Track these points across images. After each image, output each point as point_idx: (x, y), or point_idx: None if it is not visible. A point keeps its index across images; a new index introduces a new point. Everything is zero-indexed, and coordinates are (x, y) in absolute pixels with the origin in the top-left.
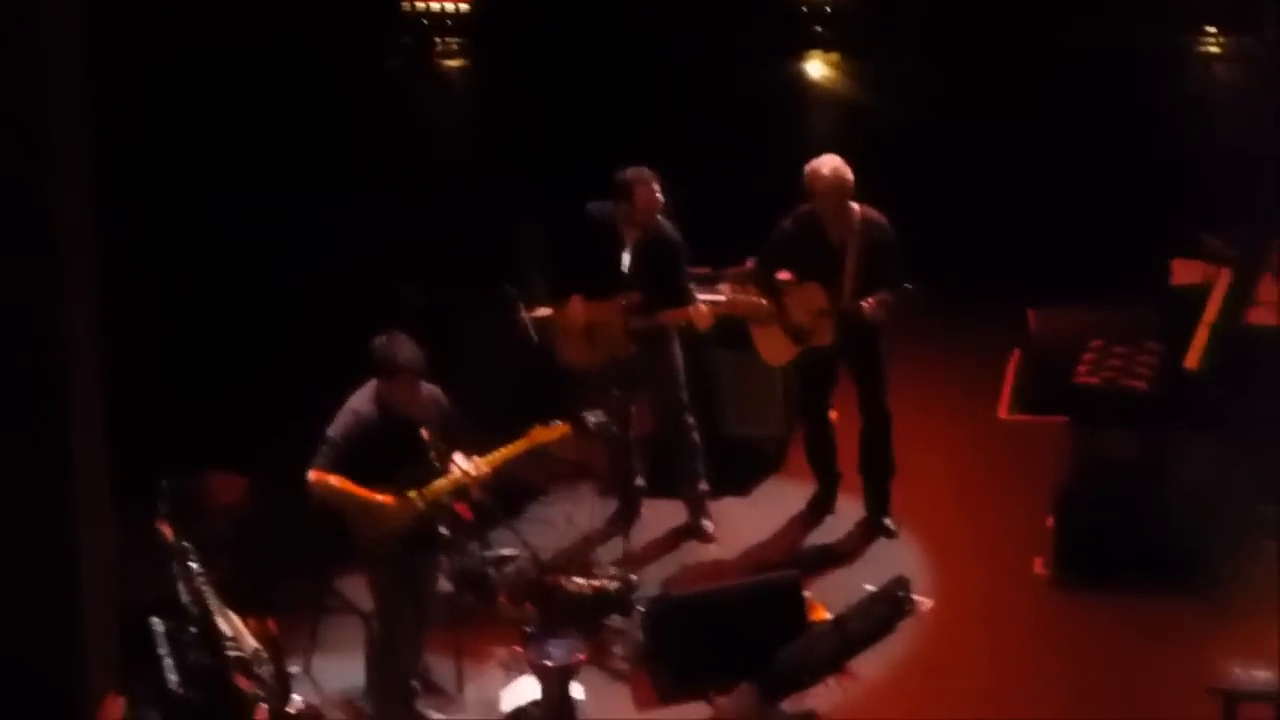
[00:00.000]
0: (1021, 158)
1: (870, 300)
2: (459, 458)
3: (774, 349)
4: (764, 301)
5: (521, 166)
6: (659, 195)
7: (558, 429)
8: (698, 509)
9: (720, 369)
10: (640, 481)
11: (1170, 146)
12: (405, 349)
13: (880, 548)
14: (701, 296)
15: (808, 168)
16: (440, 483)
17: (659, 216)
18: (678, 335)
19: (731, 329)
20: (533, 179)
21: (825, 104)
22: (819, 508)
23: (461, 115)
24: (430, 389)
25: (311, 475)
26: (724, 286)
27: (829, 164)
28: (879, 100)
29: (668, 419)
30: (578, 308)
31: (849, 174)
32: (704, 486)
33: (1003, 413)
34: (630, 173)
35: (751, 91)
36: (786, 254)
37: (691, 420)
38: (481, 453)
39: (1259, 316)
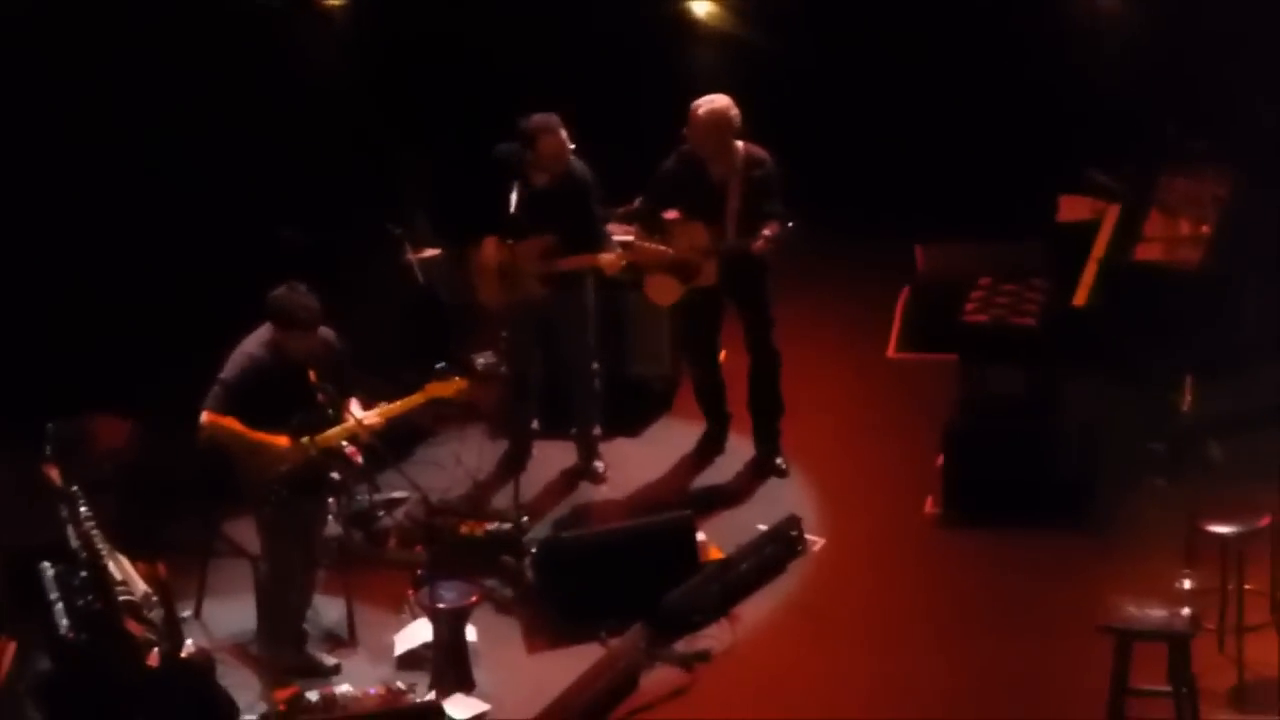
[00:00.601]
0: (908, 92)
1: (759, 237)
2: (354, 406)
3: (661, 289)
4: (668, 250)
5: (406, 106)
6: (566, 142)
7: (454, 383)
8: (589, 450)
9: (609, 310)
10: (534, 424)
11: (1058, 79)
12: (304, 303)
13: (771, 487)
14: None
15: (691, 107)
16: (334, 430)
17: (570, 158)
18: (591, 279)
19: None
20: (418, 118)
21: (711, 42)
22: (709, 448)
23: (343, 53)
24: (324, 332)
25: (205, 417)
26: (613, 227)
27: (706, 105)
28: (762, 35)
29: (574, 363)
30: (490, 249)
31: (729, 114)
32: (597, 430)
33: (891, 351)
34: (535, 120)
35: (638, 29)
36: (670, 192)
37: (596, 365)
38: (369, 396)
39: (1146, 253)
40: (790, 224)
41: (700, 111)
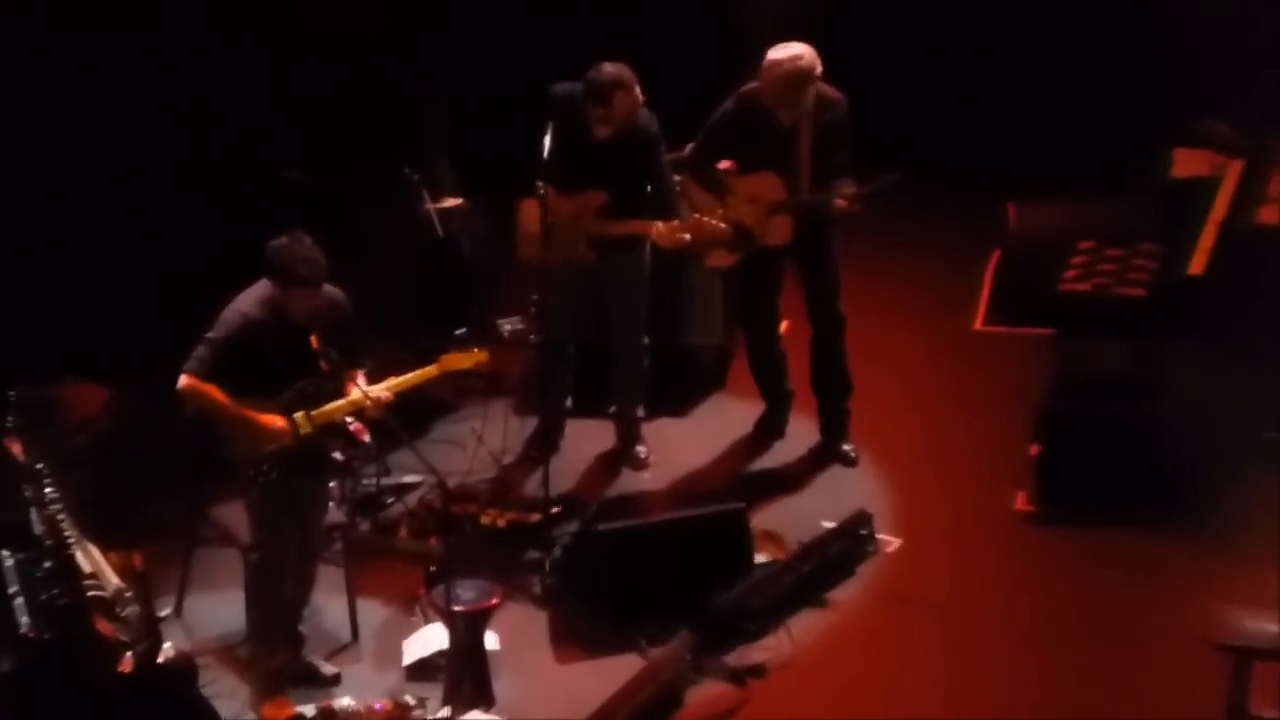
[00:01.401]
0: (1000, 26)
1: (843, 193)
2: (360, 377)
3: (716, 251)
4: (727, 228)
5: (427, 30)
6: (639, 99)
7: (473, 355)
8: (631, 433)
9: (658, 268)
10: (568, 402)
11: (1171, 20)
12: (307, 256)
13: (838, 478)
14: None
15: (767, 54)
16: (333, 405)
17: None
18: (648, 244)
19: None
20: (441, 46)
21: None
22: (768, 430)
23: None
24: (329, 291)
25: (183, 381)
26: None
27: (788, 59)
28: None
29: (621, 337)
30: (531, 206)
31: (814, 70)
32: (641, 412)
33: (978, 324)
34: (607, 74)
35: None
36: (729, 140)
37: (646, 340)
38: (378, 363)
39: (1272, 215)
40: (895, 176)
41: (783, 67)
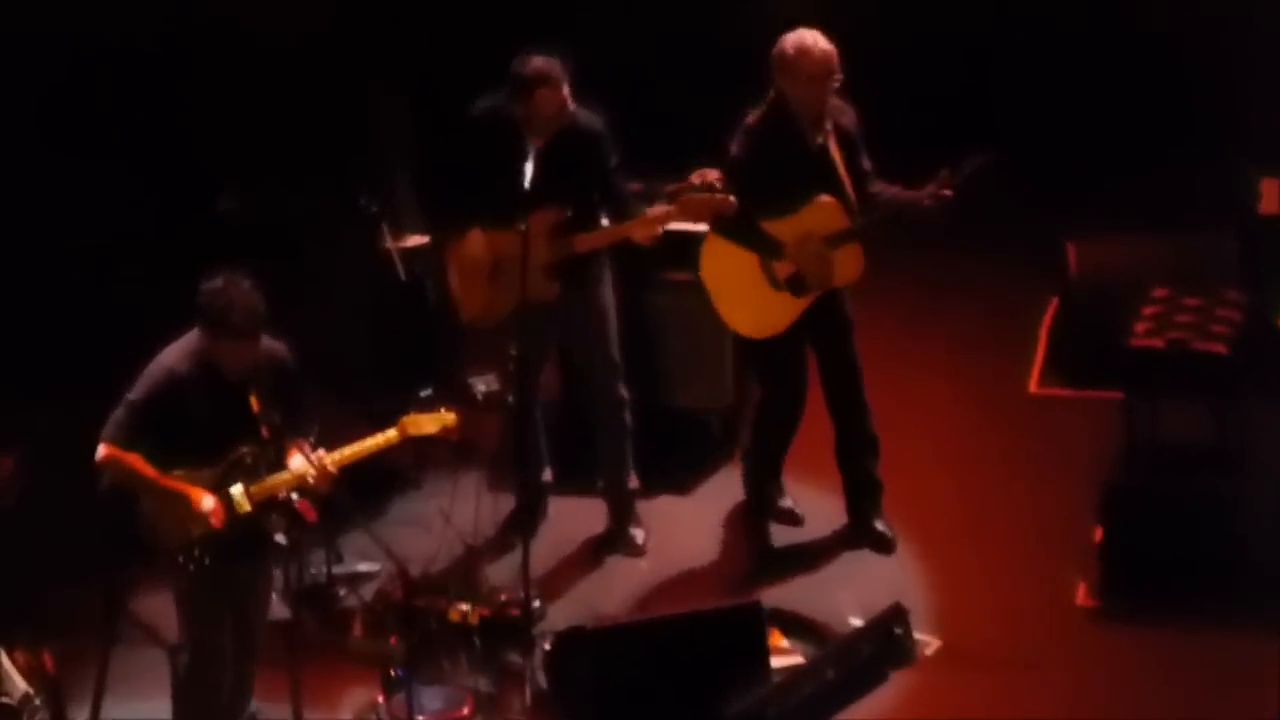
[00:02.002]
0: (1056, 41)
1: (927, 191)
2: (304, 447)
3: (765, 309)
4: (731, 199)
5: (391, 40)
6: (567, 99)
7: (440, 418)
8: (623, 511)
9: (650, 316)
10: (547, 475)
11: (1258, 34)
12: (243, 302)
13: (870, 565)
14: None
15: (787, 45)
16: (275, 478)
17: (575, 109)
18: (610, 272)
19: (667, 257)
20: (408, 59)
21: None
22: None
23: None
24: (271, 345)
25: (101, 450)
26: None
27: (813, 43)
28: None
29: (595, 387)
30: (477, 242)
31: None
32: (633, 483)
33: (1034, 385)
34: (530, 67)
35: None
36: (761, 166)
37: (624, 392)
38: (328, 428)
39: None
40: (984, 159)
41: (816, 50)
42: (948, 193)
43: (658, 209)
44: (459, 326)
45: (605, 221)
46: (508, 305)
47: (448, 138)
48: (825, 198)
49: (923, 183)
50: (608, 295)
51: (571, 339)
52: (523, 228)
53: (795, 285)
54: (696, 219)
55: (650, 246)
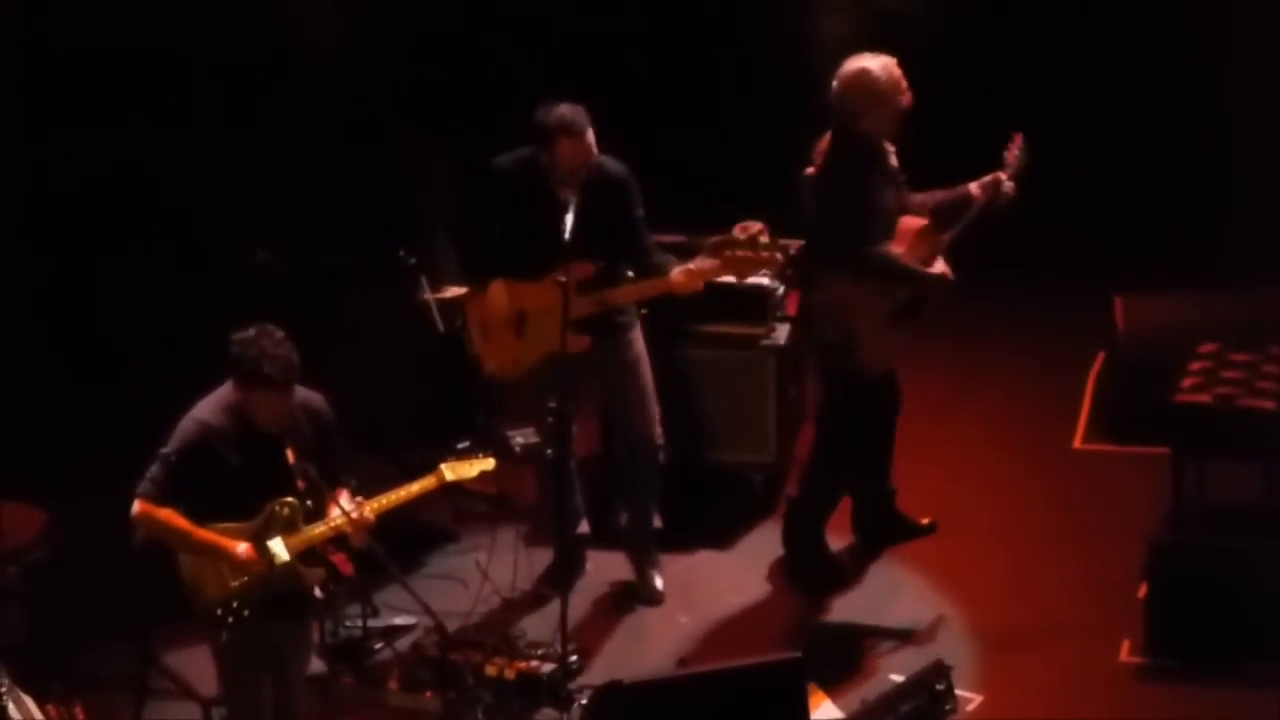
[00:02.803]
0: (1105, 83)
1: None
2: (344, 497)
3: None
4: (778, 256)
5: (432, 95)
6: (592, 148)
7: (476, 463)
8: (645, 554)
9: (691, 371)
10: (584, 527)
11: None
12: (276, 352)
13: (911, 622)
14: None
15: (852, 73)
16: (311, 530)
17: (601, 159)
18: (641, 322)
19: (708, 310)
20: (447, 112)
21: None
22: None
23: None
24: (306, 396)
25: (137, 507)
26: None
27: (887, 63)
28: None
29: (631, 432)
30: (500, 294)
31: None
32: (657, 523)
33: (1078, 440)
34: (555, 116)
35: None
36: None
37: (661, 437)
38: (367, 486)
39: None
40: (1021, 144)
41: (891, 71)
42: (1009, 189)
43: (703, 262)
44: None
45: (630, 273)
46: (533, 358)
47: (477, 190)
48: (919, 223)
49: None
50: (639, 342)
51: (608, 388)
52: (562, 279)
53: (912, 306)
54: (741, 275)
55: (688, 297)
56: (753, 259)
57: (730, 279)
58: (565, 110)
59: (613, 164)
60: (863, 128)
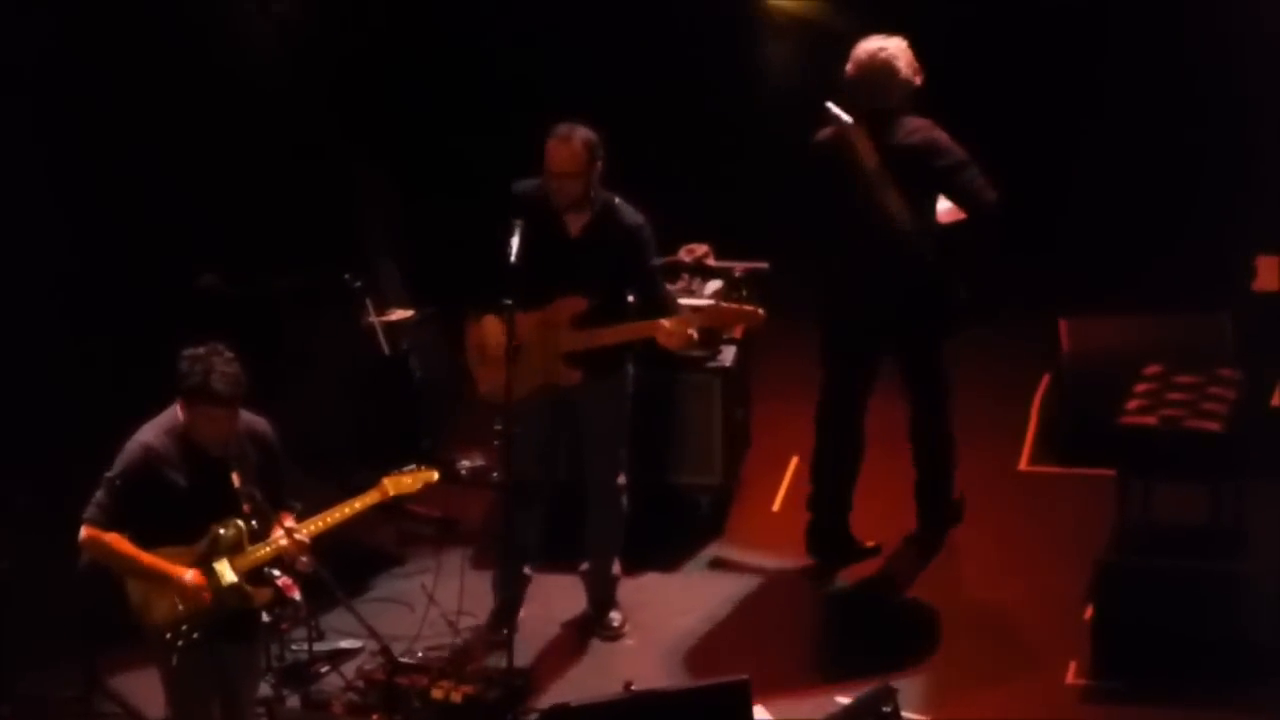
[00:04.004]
0: (1049, 108)
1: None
2: (286, 520)
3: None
4: (759, 311)
5: (374, 112)
6: (579, 157)
7: (418, 476)
8: (605, 596)
9: (636, 391)
10: (527, 569)
11: (1253, 110)
12: (225, 369)
13: (858, 644)
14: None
15: (870, 53)
16: (255, 550)
17: (616, 199)
18: (632, 360)
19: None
20: (391, 131)
21: (787, 33)
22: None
23: (287, 40)
24: (251, 420)
25: (83, 532)
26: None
27: (901, 43)
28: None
29: (596, 473)
30: (493, 325)
31: None
32: (616, 569)
33: (1023, 462)
34: (550, 131)
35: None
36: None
37: (624, 481)
38: (311, 509)
39: None
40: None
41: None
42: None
43: (687, 316)
44: (440, 401)
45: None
46: (526, 388)
47: (446, 210)
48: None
49: None
50: (628, 388)
51: (587, 425)
52: (569, 310)
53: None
54: (725, 328)
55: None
56: (736, 314)
57: (714, 328)
58: (570, 128)
59: (629, 211)
60: (887, 107)
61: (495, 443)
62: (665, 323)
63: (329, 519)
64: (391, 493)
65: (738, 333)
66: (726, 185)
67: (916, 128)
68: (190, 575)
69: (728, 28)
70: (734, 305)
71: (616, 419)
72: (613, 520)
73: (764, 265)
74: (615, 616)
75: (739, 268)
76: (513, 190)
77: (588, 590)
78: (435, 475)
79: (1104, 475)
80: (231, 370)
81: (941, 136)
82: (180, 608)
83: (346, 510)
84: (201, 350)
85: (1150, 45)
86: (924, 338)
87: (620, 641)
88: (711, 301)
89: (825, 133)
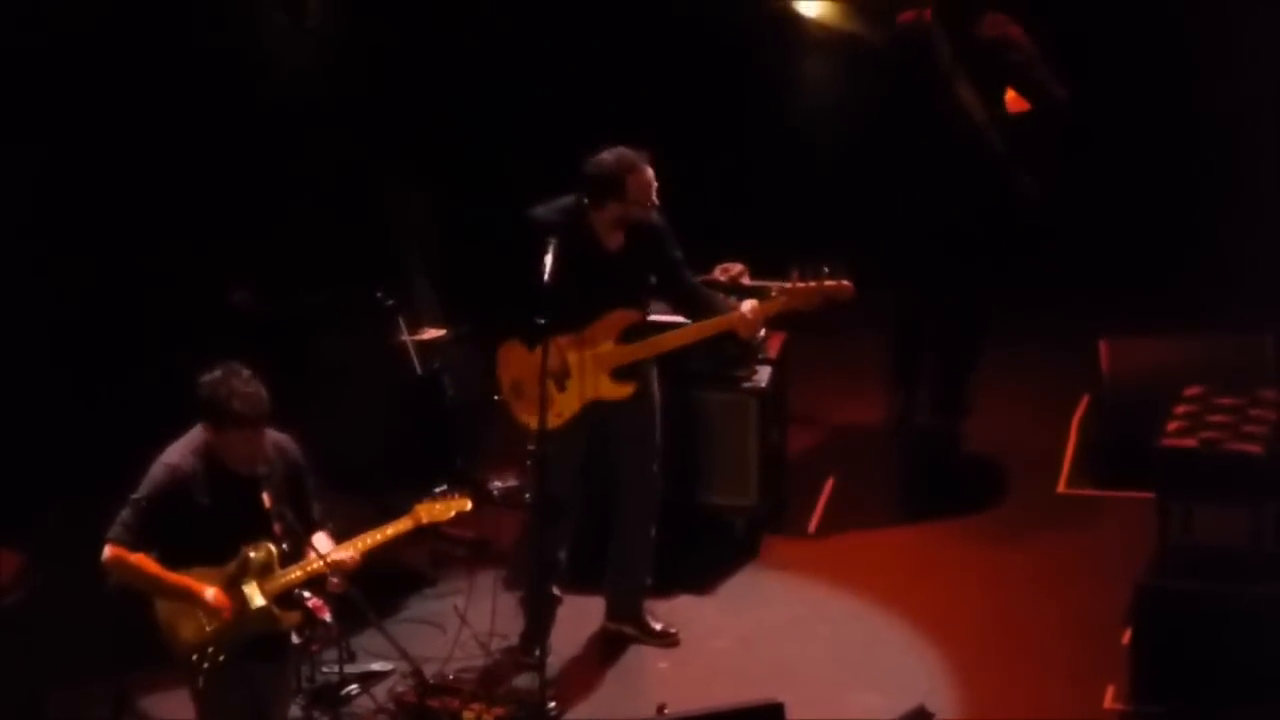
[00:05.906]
0: (1088, 129)
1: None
2: (318, 539)
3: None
4: (845, 283)
5: (411, 133)
6: (654, 180)
7: (452, 503)
8: (636, 606)
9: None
10: (556, 590)
11: None
12: (244, 390)
13: (894, 668)
14: None
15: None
16: (286, 574)
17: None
18: (656, 379)
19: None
20: (427, 152)
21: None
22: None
23: (322, 58)
24: (277, 438)
25: (107, 551)
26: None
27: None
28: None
29: (635, 490)
30: (523, 356)
31: None
32: (649, 580)
33: (1062, 485)
34: (618, 160)
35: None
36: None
37: (658, 470)
38: (344, 531)
39: None
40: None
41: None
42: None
43: (767, 301)
44: (474, 421)
45: (680, 317)
46: (574, 407)
47: (481, 229)
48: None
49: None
50: (657, 399)
51: (620, 442)
52: (619, 321)
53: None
54: (808, 306)
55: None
56: (818, 289)
57: (797, 309)
58: (628, 152)
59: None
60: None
61: (528, 463)
62: (744, 311)
63: (361, 544)
64: (424, 520)
65: (772, 352)
66: (761, 203)
67: (993, 21)
68: (212, 593)
69: (763, 43)
70: (818, 282)
71: (652, 429)
72: (645, 539)
73: (801, 284)
74: (656, 624)
75: (775, 287)
76: (535, 219)
77: (618, 599)
78: (469, 504)
79: (1143, 498)
80: (252, 390)
81: (1015, 31)
82: (207, 629)
83: (379, 536)
84: (219, 374)
85: (1203, 66)
86: (989, 239)
87: (652, 661)
88: (789, 284)
89: (906, 16)
